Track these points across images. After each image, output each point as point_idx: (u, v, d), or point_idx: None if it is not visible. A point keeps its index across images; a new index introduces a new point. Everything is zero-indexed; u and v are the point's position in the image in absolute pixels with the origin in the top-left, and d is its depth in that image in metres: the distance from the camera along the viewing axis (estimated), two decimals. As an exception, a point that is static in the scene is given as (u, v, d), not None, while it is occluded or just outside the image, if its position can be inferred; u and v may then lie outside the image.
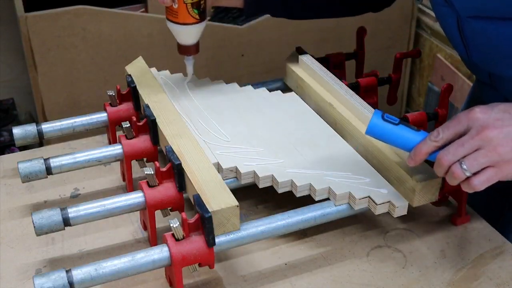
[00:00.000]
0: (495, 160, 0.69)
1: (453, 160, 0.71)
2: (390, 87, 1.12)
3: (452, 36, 0.92)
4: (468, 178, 0.71)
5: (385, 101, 1.14)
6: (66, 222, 0.80)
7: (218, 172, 0.85)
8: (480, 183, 0.70)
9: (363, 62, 1.15)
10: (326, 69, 1.05)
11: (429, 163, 0.80)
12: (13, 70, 2.18)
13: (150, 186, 0.84)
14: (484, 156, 0.69)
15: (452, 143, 0.71)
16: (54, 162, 0.91)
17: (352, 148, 0.93)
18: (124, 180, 1.00)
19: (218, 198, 0.78)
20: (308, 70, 1.08)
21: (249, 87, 1.10)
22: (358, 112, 0.96)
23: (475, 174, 0.71)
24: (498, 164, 0.69)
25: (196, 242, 0.75)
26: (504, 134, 0.68)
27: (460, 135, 0.72)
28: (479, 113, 0.70)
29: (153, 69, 1.10)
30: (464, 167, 0.70)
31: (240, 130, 0.97)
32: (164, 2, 0.93)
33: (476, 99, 1.13)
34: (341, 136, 0.96)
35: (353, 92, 0.99)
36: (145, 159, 0.96)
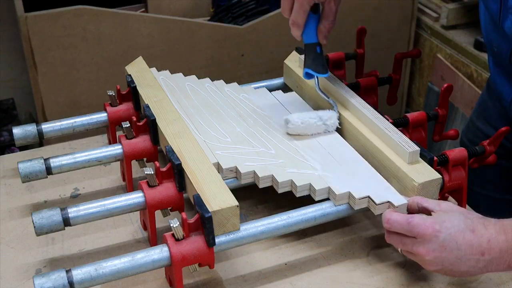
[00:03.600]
0: (423, 264, 0.78)
1: (395, 244, 0.81)
2: (390, 87, 1.12)
3: None
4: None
5: (385, 101, 1.14)
6: (66, 222, 0.80)
7: (218, 172, 0.85)
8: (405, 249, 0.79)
9: (363, 62, 1.15)
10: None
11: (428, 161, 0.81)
12: (13, 70, 2.18)
13: (150, 186, 0.84)
14: (414, 258, 0.79)
15: (397, 236, 0.79)
16: (54, 162, 0.91)
17: (352, 148, 0.93)
18: (124, 180, 1.00)
19: (218, 198, 0.78)
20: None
21: (249, 87, 1.10)
22: (357, 111, 0.96)
23: None
24: (423, 264, 0.78)
25: (196, 242, 0.75)
26: (438, 260, 0.76)
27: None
28: (430, 229, 0.75)
29: (153, 69, 1.10)
30: (400, 251, 0.81)
31: (240, 130, 0.97)
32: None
33: (482, 112, 1.13)
34: (341, 136, 0.96)
35: (353, 92, 0.99)
36: (145, 159, 0.96)
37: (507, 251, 0.75)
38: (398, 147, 0.87)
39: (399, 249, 0.80)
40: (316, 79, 0.98)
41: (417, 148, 0.86)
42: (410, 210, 0.82)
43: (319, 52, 0.95)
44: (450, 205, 0.80)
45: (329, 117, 0.95)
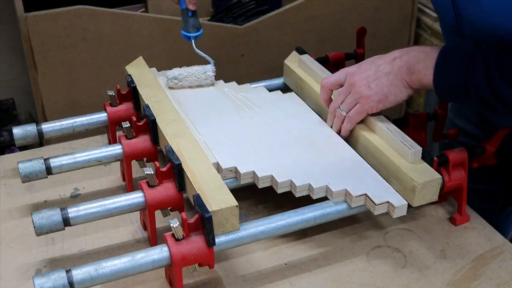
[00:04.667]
0: (357, 97, 0.91)
1: (336, 106, 0.94)
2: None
3: (444, 5, 0.93)
4: (346, 117, 0.93)
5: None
6: (66, 222, 0.80)
7: (218, 172, 0.85)
8: (351, 116, 0.92)
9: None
10: (326, 69, 1.06)
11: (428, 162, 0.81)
12: (13, 70, 2.18)
13: (150, 186, 0.84)
14: (351, 97, 0.92)
15: (337, 98, 0.94)
16: (54, 162, 0.91)
17: (351, 148, 0.93)
18: (124, 180, 1.00)
19: (218, 198, 0.78)
20: (308, 70, 1.08)
21: (249, 87, 1.10)
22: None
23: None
24: (361, 99, 0.91)
25: (196, 242, 0.75)
26: (364, 77, 0.90)
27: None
28: (353, 67, 0.92)
29: (153, 69, 1.11)
30: (341, 108, 0.93)
31: (240, 130, 0.97)
32: None
33: (458, 109, 1.14)
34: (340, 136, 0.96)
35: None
36: (145, 159, 0.96)
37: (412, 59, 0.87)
38: (400, 146, 0.87)
39: (336, 121, 0.94)
40: (191, 39, 1.11)
41: (419, 148, 0.86)
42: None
43: (190, 15, 1.09)
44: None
45: (206, 70, 1.09)
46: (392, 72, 0.88)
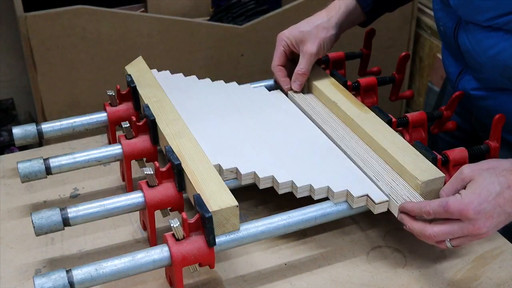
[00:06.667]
0: (479, 238, 0.78)
1: (442, 240, 0.78)
2: (393, 86, 1.12)
3: None
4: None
5: (385, 101, 1.14)
6: (66, 222, 0.80)
7: (218, 173, 0.85)
8: (457, 245, 0.79)
9: (368, 62, 1.16)
10: (323, 70, 1.06)
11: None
12: (12, 70, 2.18)
13: (149, 186, 0.84)
14: (470, 240, 0.78)
15: (441, 227, 0.77)
16: (53, 162, 0.91)
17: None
18: (123, 180, 1.00)
19: (218, 198, 0.77)
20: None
21: (249, 87, 1.10)
22: (359, 111, 0.96)
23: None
24: (480, 237, 0.78)
25: (197, 242, 0.75)
26: (493, 227, 0.76)
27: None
28: (472, 210, 0.74)
29: (154, 71, 1.10)
30: (449, 244, 0.78)
31: (240, 130, 0.96)
32: None
33: (441, 102, 1.17)
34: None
35: (350, 93, 1.01)
36: (144, 159, 0.96)
37: None
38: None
39: (447, 242, 0.78)
40: None
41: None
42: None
43: None
44: (471, 168, 0.79)
45: None
46: None
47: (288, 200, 0.88)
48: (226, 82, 1.11)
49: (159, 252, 0.75)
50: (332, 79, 1.07)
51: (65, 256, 0.88)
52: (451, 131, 1.03)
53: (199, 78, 1.11)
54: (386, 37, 2.19)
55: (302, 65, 1.04)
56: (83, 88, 1.91)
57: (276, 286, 0.83)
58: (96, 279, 0.72)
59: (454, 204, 0.75)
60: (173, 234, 0.75)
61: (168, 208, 0.85)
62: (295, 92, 1.06)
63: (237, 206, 0.77)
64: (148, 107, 0.96)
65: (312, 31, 1.03)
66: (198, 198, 0.77)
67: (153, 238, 0.86)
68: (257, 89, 1.09)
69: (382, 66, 1.18)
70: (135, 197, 0.83)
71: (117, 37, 1.86)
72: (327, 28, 1.04)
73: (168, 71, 1.12)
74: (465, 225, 0.75)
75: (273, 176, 0.86)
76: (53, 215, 0.80)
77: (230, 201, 0.77)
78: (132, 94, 1.02)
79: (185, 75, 1.12)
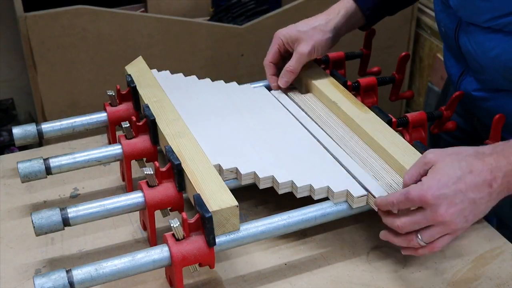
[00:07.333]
0: (449, 231, 0.77)
1: (407, 230, 0.77)
2: (393, 86, 1.13)
3: None
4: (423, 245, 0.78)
5: (385, 101, 1.14)
6: (66, 222, 0.80)
7: (218, 173, 0.85)
8: (438, 248, 0.78)
9: (368, 62, 1.16)
10: (323, 70, 1.06)
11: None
12: (12, 70, 2.18)
13: (149, 186, 0.84)
14: (439, 232, 0.76)
15: (407, 217, 0.77)
16: (53, 162, 0.91)
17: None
18: (123, 180, 1.00)
19: (218, 198, 0.77)
20: (308, 69, 1.08)
21: (249, 87, 1.10)
22: (359, 111, 0.96)
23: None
24: (452, 232, 0.77)
25: (197, 242, 0.75)
26: (458, 213, 0.75)
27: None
28: (431, 196, 0.74)
29: (154, 71, 1.10)
30: (420, 238, 0.77)
31: (240, 130, 0.96)
32: None
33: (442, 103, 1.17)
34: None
35: (350, 93, 1.01)
36: (144, 159, 0.96)
37: None
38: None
39: (419, 240, 0.77)
40: None
41: None
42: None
43: None
44: (435, 153, 0.77)
45: None
46: (491, 198, 0.76)
47: (288, 200, 0.88)
48: (226, 82, 1.11)
49: (159, 252, 0.75)
50: (332, 79, 1.07)
51: (65, 256, 0.88)
52: (451, 131, 1.03)
53: (199, 78, 1.11)
54: (386, 37, 2.19)
55: (292, 63, 1.05)
56: (83, 88, 1.91)
57: (276, 286, 0.83)
58: (96, 279, 0.72)
59: (415, 191, 0.75)
60: (173, 234, 0.75)
61: (168, 208, 0.85)
62: (292, 92, 1.06)
63: (237, 206, 0.77)
64: (148, 107, 0.96)
65: (308, 32, 1.04)
66: (198, 198, 0.77)
67: (153, 238, 0.86)
68: (257, 89, 1.09)
69: (382, 66, 1.18)
70: (135, 197, 0.83)
71: (117, 37, 1.86)
72: (324, 31, 1.05)
73: (168, 71, 1.12)
74: (427, 212, 0.75)
75: (273, 176, 0.86)
76: (53, 215, 0.80)
77: (230, 201, 0.77)
78: (132, 94, 1.02)
79: (185, 75, 1.12)
